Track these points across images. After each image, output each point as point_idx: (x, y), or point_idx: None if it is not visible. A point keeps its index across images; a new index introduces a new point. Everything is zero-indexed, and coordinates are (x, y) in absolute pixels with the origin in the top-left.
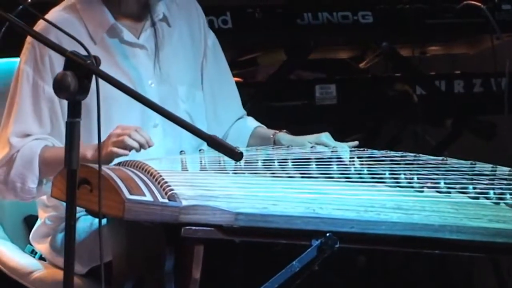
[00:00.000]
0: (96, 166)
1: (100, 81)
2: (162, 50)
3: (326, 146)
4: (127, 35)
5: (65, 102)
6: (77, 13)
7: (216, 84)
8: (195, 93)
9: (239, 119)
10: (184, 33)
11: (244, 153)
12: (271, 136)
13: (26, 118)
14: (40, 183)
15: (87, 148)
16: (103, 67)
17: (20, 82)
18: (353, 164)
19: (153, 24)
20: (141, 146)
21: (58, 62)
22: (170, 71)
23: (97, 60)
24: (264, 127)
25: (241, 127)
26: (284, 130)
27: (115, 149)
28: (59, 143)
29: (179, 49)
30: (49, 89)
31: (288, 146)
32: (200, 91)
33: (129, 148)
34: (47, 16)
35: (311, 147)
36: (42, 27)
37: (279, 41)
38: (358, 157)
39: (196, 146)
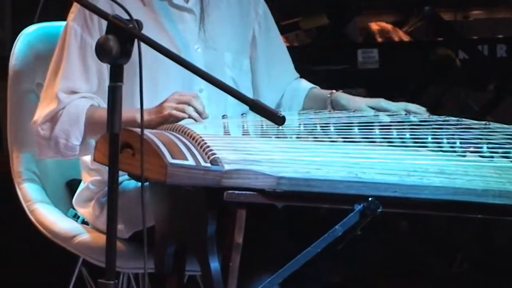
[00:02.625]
0: (138, 130)
1: (145, 45)
2: (209, 15)
3: (386, 111)
4: None
5: None
6: None
7: (270, 52)
8: (242, 61)
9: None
10: (232, 1)
11: (287, 117)
12: (328, 96)
13: (74, 75)
14: (83, 141)
15: (138, 111)
16: (150, 28)
17: (68, 40)
18: (398, 128)
19: None
20: (199, 115)
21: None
22: (217, 37)
23: (139, 24)
24: (318, 88)
25: (296, 89)
26: (340, 90)
27: (175, 112)
28: (104, 103)
29: (226, 16)
30: None
31: (330, 111)
32: (247, 59)
33: (187, 114)
34: None
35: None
36: None
37: (321, 5)
38: (399, 122)
39: (240, 112)
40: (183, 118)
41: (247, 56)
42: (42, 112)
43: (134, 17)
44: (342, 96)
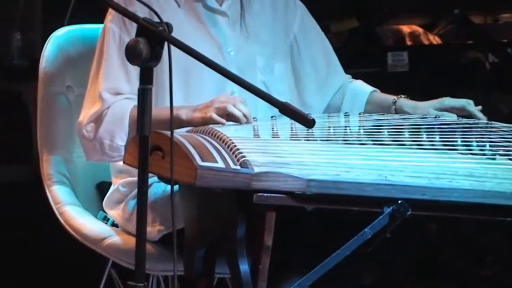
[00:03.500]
0: (168, 132)
1: (178, 50)
2: (243, 19)
3: (451, 110)
4: (210, 1)
5: None
6: None
7: (312, 52)
8: (273, 65)
9: (342, 84)
10: (266, 5)
11: (316, 120)
12: (392, 103)
13: (115, 76)
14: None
15: (181, 108)
16: (185, 31)
17: (107, 41)
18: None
19: None
20: (241, 119)
21: None
22: (249, 41)
23: (169, 27)
24: (379, 91)
25: (356, 92)
26: (404, 96)
27: (215, 116)
28: None
29: (259, 20)
30: None
31: (360, 114)
32: (281, 63)
33: (235, 118)
34: None
35: (435, 117)
36: None
37: (352, 8)
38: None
39: (270, 116)
40: (221, 123)
41: (281, 60)
42: (86, 113)
43: (169, 20)
44: (406, 103)
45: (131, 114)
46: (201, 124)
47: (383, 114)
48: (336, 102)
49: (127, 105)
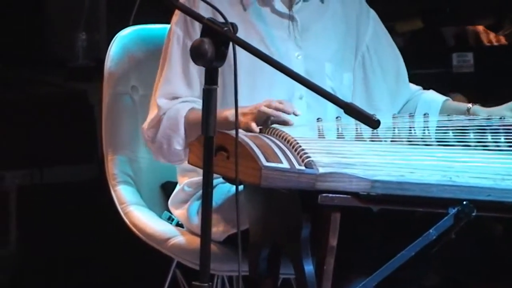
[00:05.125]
0: (233, 133)
1: (246, 53)
2: (312, 24)
3: None
4: (278, 5)
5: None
6: None
7: (384, 61)
8: (342, 74)
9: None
10: (338, 14)
11: (381, 121)
12: (466, 110)
13: (175, 80)
14: (187, 146)
15: (230, 110)
16: (251, 33)
17: (171, 44)
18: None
19: None
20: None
21: None
22: (319, 46)
23: (234, 27)
24: (451, 100)
25: (429, 102)
26: (477, 104)
27: (253, 126)
28: None
29: (329, 28)
30: None
31: (424, 115)
32: (349, 72)
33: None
34: None
35: (500, 118)
36: None
37: (416, 8)
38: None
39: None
40: (255, 132)
41: (349, 71)
42: (148, 118)
43: (236, 22)
44: (480, 111)
45: (187, 117)
46: (244, 130)
47: (448, 115)
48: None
49: (182, 109)
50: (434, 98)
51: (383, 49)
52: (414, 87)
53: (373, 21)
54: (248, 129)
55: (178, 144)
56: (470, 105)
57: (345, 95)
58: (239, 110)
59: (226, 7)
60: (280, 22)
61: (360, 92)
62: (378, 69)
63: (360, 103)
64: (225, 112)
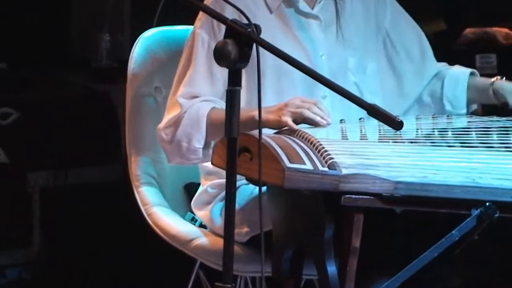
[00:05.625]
0: (256, 134)
1: (272, 56)
2: (335, 22)
3: None
4: (303, 5)
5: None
6: None
7: (411, 44)
8: (366, 65)
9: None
10: (357, 7)
11: (404, 122)
12: (489, 84)
13: (198, 82)
14: (206, 145)
15: (255, 110)
16: (278, 35)
17: (196, 48)
18: None
19: None
20: (319, 122)
21: None
22: (341, 43)
23: (257, 29)
24: (477, 73)
25: (456, 78)
26: (503, 78)
27: (290, 122)
28: None
29: (350, 22)
30: None
31: (448, 116)
32: (373, 62)
33: (313, 122)
34: None
35: None
36: None
37: (439, 10)
38: None
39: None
40: (293, 128)
41: (372, 59)
42: (165, 118)
43: (261, 25)
44: (504, 86)
45: (209, 116)
46: (275, 127)
47: (471, 116)
48: (435, 89)
49: (204, 107)
50: (461, 72)
51: (403, 30)
52: (440, 63)
53: (390, 6)
54: (281, 125)
55: (198, 142)
56: (494, 79)
57: (370, 87)
58: (264, 110)
59: (251, 9)
60: (305, 22)
61: (390, 77)
62: (402, 51)
63: (391, 90)
64: (252, 112)
